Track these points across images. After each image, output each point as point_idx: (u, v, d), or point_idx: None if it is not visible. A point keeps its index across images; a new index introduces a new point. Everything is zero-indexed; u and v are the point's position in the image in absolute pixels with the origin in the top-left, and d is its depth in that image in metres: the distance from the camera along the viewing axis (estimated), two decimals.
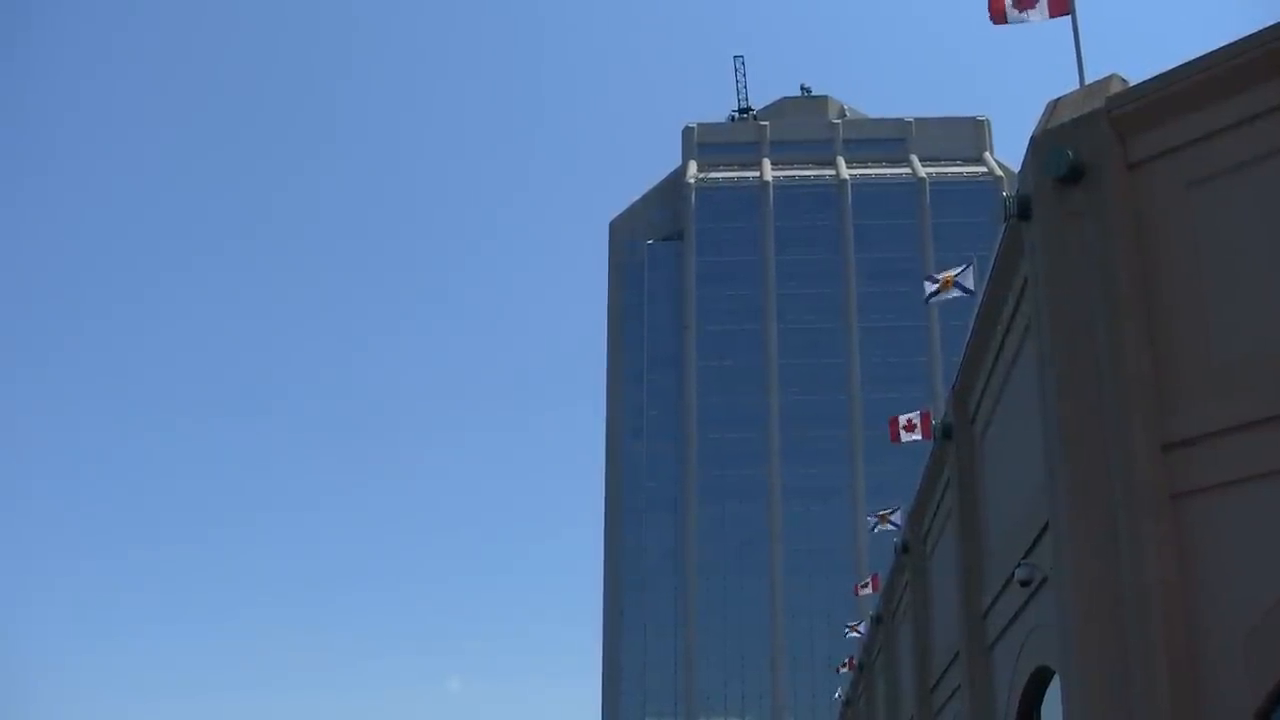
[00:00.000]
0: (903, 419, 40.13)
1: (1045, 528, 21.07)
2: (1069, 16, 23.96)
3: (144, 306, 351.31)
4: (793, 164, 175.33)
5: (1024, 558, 23.12)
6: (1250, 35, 17.71)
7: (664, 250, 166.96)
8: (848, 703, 69.38)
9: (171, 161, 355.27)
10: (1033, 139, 20.32)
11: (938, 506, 36.73)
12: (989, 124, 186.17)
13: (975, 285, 30.43)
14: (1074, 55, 22.46)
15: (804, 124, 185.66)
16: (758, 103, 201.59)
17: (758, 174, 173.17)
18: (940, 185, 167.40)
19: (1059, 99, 20.86)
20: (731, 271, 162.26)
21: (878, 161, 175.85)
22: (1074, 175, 19.29)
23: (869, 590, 58.26)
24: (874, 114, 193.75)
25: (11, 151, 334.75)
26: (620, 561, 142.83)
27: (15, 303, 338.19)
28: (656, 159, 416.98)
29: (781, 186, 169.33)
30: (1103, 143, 19.19)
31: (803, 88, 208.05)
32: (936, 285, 32.42)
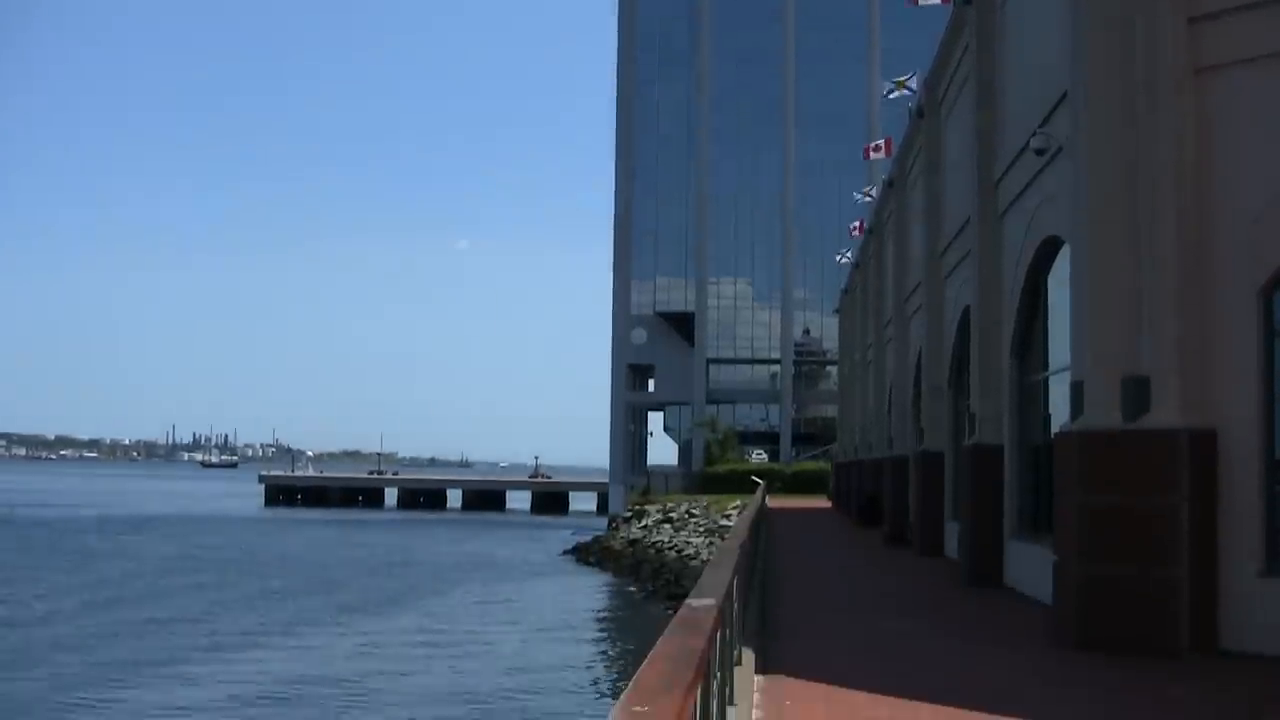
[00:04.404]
0: None
1: (1063, 97, 20.80)
2: None
3: None
4: None
5: (1040, 126, 22.92)
6: None
7: None
8: (857, 265, 70.45)
9: None
10: None
11: (954, 72, 36.28)
12: None
13: None
14: None
15: None
16: None
17: None
18: None
19: None
20: None
21: None
22: None
23: (881, 154, 58.03)
24: None
25: None
26: (633, 123, 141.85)
27: None
28: None
29: None
30: None
31: None
32: None
